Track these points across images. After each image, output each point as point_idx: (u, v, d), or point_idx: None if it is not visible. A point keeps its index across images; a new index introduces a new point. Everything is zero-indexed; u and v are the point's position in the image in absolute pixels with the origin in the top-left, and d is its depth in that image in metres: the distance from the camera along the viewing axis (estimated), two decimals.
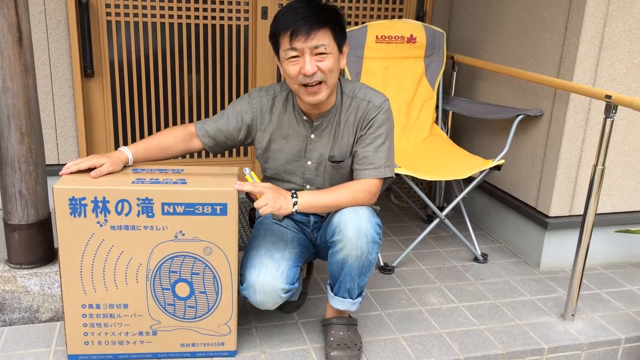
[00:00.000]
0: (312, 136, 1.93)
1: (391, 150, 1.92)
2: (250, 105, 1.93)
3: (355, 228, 1.78)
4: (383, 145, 1.89)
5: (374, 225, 1.82)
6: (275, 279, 1.82)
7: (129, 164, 1.86)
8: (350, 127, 1.91)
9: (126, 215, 1.72)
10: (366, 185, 1.88)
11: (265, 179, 2.05)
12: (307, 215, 2.05)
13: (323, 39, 1.74)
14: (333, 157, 1.94)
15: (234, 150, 3.42)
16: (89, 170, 1.77)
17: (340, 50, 1.82)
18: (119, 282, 1.79)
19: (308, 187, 1.99)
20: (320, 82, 1.78)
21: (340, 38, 1.80)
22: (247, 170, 1.85)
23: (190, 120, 3.27)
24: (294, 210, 1.79)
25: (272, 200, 1.75)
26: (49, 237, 2.08)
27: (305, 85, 1.78)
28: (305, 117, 1.92)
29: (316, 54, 1.74)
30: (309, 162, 1.96)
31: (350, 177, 1.96)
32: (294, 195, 1.81)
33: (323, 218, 2.05)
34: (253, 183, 1.79)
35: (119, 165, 1.82)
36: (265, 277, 1.82)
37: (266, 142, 1.96)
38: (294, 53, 1.75)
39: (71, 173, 1.77)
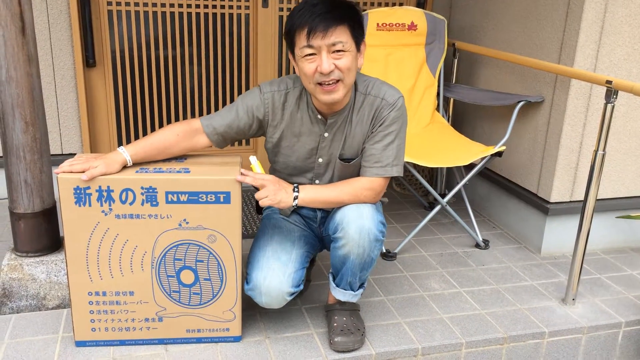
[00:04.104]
0: (326, 134, 1.89)
1: (401, 149, 1.88)
2: (262, 101, 1.86)
3: (358, 227, 1.77)
4: (392, 144, 1.85)
5: (377, 223, 1.81)
6: (281, 283, 1.82)
7: (129, 165, 1.79)
8: (364, 125, 1.87)
9: (130, 204, 1.74)
10: (370, 184, 1.86)
11: (273, 170, 2.03)
12: (314, 210, 2.05)
13: (341, 36, 1.69)
14: (343, 155, 1.91)
15: None
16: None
17: (358, 48, 1.77)
18: (125, 270, 1.82)
19: (317, 181, 1.98)
20: (337, 81, 1.73)
21: (358, 35, 1.75)
22: (252, 159, 1.83)
23: (192, 109, 3.28)
24: (294, 204, 1.79)
25: (273, 193, 1.75)
26: (54, 225, 2.10)
27: (321, 84, 1.73)
28: (319, 116, 1.87)
29: (333, 52, 1.70)
30: (320, 160, 1.93)
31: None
32: (296, 190, 1.80)
33: (330, 213, 2.05)
34: (255, 175, 1.78)
35: (115, 167, 1.74)
36: (272, 280, 1.82)
37: (277, 138, 1.91)
38: (310, 51, 1.70)
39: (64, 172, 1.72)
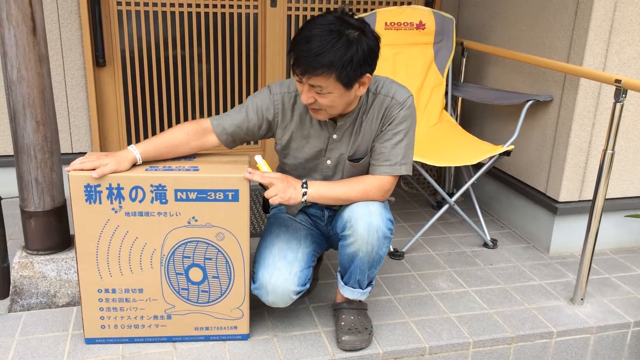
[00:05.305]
0: (335, 136, 1.88)
1: (410, 148, 1.87)
2: (272, 102, 1.86)
3: (367, 224, 1.77)
4: (401, 143, 1.84)
5: (386, 220, 1.81)
6: (287, 282, 1.82)
7: (139, 164, 1.80)
8: (373, 124, 1.86)
9: (140, 201, 1.75)
10: (379, 182, 1.85)
11: (283, 171, 2.02)
12: (321, 209, 2.05)
13: (319, 82, 1.65)
14: (352, 157, 1.90)
15: None
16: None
17: (349, 87, 1.69)
18: (134, 267, 1.83)
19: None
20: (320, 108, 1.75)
21: (349, 78, 1.65)
22: (258, 158, 1.84)
23: (201, 109, 3.29)
24: (303, 200, 1.80)
25: (282, 191, 1.76)
26: (65, 223, 2.12)
27: None
28: (327, 118, 1.86)
29: (314, 89, 1.69)
30: (328, 162, 1.92)
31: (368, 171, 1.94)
32: (304, 185, 1.81)
33: (337, 211, 2.05)
34: (263, 173, 1.79)
35: (125, 164, 1.75)
36: (277, 279, 1.82)
37: (286, 140, 1.91)
38: (297, 78, 1.70)
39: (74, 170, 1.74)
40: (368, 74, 1.72)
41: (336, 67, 1.62)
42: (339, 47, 1.61)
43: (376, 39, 1.70)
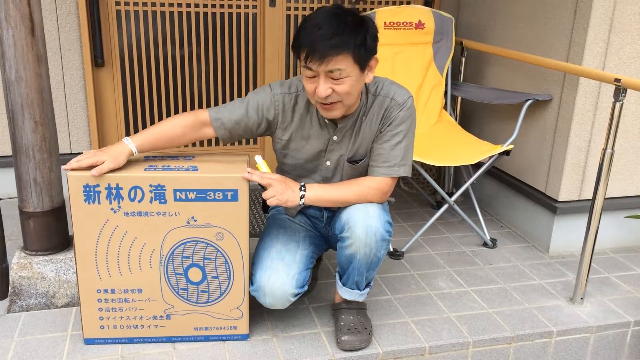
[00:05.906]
0: (335, 138, 1.88)
1: (409, 149, 1.87)
2: (272, 102, 1.85)
3: (365, 226, 1.77)
4: (400, 144, 1.84)
5: (384, 223, 1.80)
6: (285, 284, 1.82)
7: (135, 155, 1.80)
8: (373, 125, 1.85)
9: (139, 201, 1.75)
10: (377, 184, 1.85)
11: (282, 172, 2.02)
12: (320, 210, 2.04)
13: (339, 63, 1.65)
14: (352, 158, 1.90)
15: None
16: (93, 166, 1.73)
17: (363, 69, 1.71)
18: (133, 268, 1.83)
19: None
20: (336, 101, 1.73)
21: (364, 58, 1.69)
22: (258, 158, 1.84)
23: (200, 109, 3.29)
24: (301, 203, 1.79)
25: (280, 193, 1.75)
26: (63, 224, 2.11)
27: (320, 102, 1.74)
28: (328, 120, 1.86)
29: (332, 77, 1.68)
30: (328, 162, 1.92)
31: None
32: (302, 188, 1.80)
33: (336, 212, 2.04)
34: (262, 173, 1.78)
35: (122, 159, 1.75)
36: (275, 281, 1.82)
37: (285, 140, 1.91)
38: (310, 73, 1.69)
39: (72, 170, 1.74)
40: (375, 56, 1.75)
41: (352, 45, 1.65)
42: (350, 29, 1.65)
43: (374, 24, 1.76)
